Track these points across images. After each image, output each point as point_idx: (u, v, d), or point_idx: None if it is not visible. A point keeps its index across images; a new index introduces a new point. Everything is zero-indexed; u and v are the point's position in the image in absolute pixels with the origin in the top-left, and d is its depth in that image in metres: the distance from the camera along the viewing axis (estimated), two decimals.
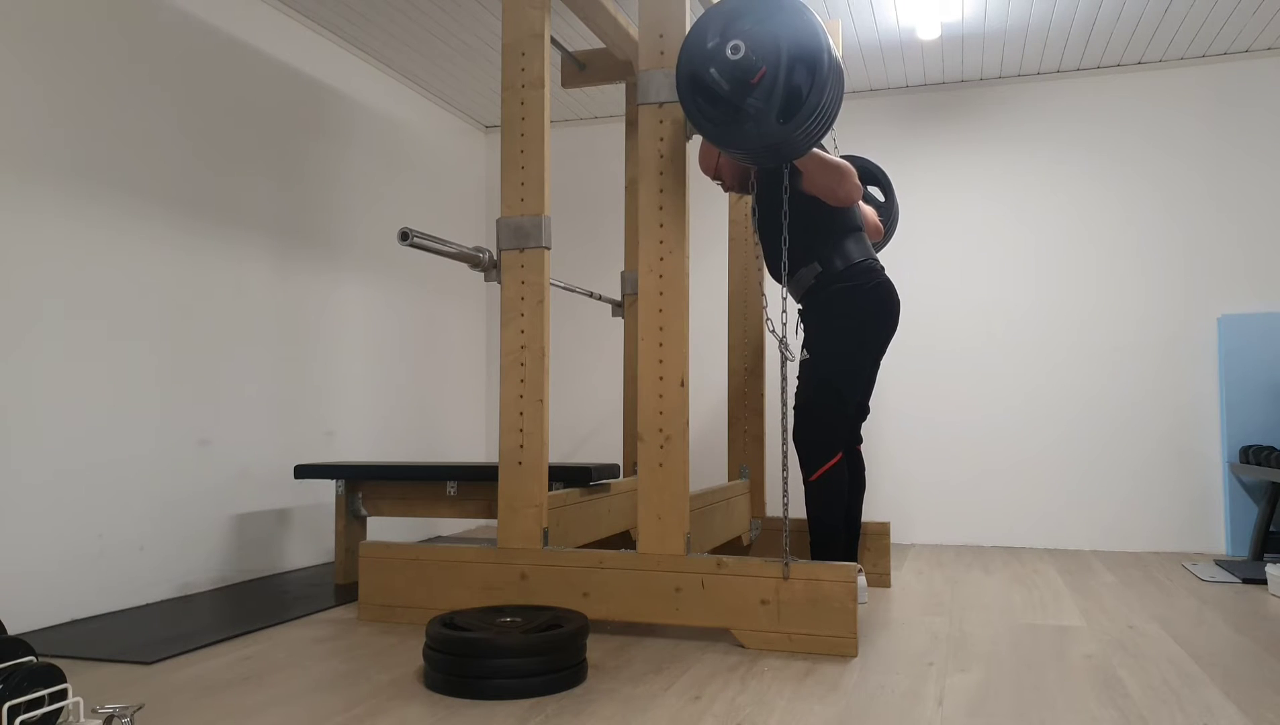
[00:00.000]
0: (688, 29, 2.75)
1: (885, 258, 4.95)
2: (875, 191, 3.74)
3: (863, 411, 3.26)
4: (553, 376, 5.48)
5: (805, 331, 3.12)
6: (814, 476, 3.02)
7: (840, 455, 3.03)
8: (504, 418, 2.87)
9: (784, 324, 2.76)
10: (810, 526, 3.04)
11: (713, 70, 2.48)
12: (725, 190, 3.33)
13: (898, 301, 3.12)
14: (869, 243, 3.18)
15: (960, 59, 4.58)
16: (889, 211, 3.67)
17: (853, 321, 3.06)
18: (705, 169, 3.26)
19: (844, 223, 3.10)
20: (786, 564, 2.56)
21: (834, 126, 4.89)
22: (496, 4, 4.01)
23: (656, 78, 2.76)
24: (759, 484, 3.85)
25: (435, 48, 4.46)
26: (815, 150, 2.93)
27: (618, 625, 2.89)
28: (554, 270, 5.52)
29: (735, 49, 2.43)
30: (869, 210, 3.52)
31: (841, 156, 3.64)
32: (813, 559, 3.02)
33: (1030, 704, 2.10)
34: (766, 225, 3.13)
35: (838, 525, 3.01)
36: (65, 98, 3.00)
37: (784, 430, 2.84)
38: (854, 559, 3.28)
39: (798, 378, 3.12)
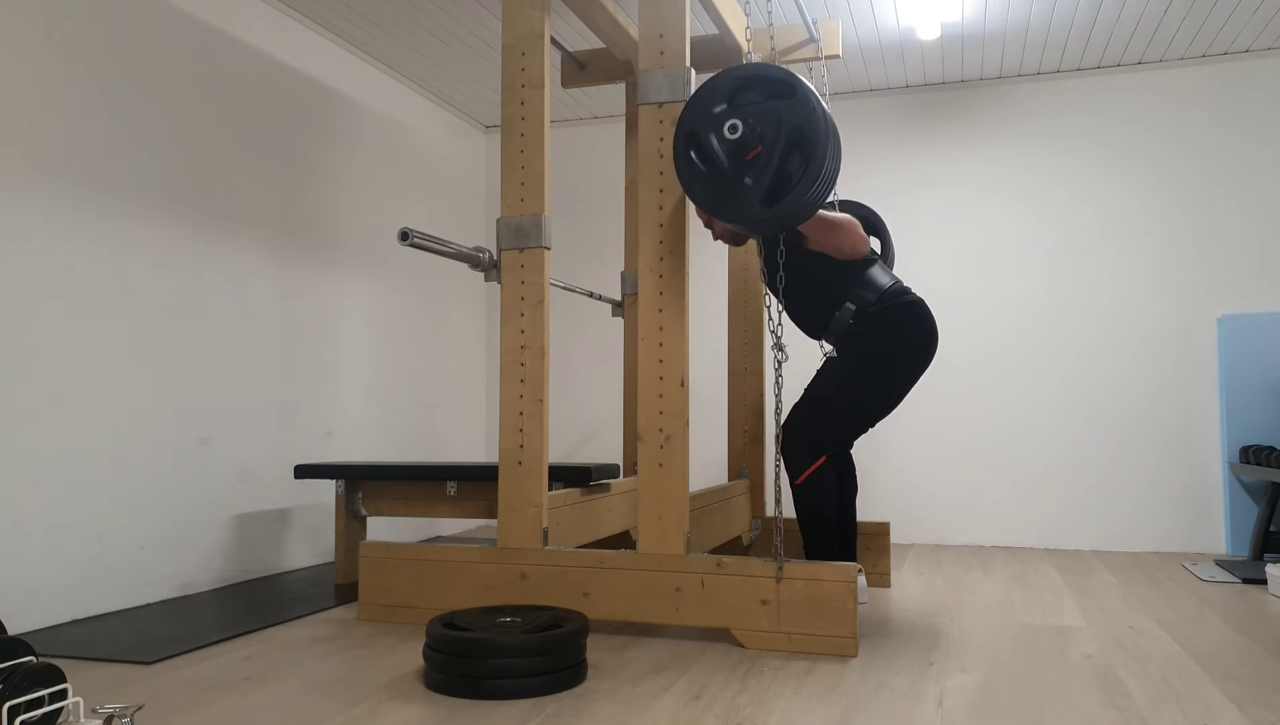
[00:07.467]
0: (687, 30, 2.75)
1: None
2: (873, 242, 3.71)
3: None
4: (553, 376, 5.48)
5: (839, 354, 3.02)
6: (799, 480, 2.96)
7: (825, 458, 2.94)
8: (504, 418, 2.87)
9: (780, 323, 2.75)
10: (801, 529, 2.99)
11: (712, 136, 2.49)
12: (715, 239, 3.17)
13: (934, 323, 2.99)
14: (891, 270, 3.12)
15: (960, 59, 4.58)
16: (887, 257, 3.64)
17: (891, 347, 2.95)
18: (700, 215, 3.17)
19: (862, 259, 3.05)
20: (780, 566, 2.56)
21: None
22: (496, 4, 4.01)
23: (656, 78, 2.76)
24: (759, 484, 3.85)
25: (435, 48, 4.46)
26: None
27: (618, 625, 2.89)
28: (554, 270, 5.52)
29: (733, 128, 2.44)
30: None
31: (840, 202, 3.61)
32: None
33: (1030, 704, 2.10)
34: (776, 288, 3.01)
35: (829, 527, 2.95)
36: (65, 97, 3.00)
37: (774, 428, 2.83)
38: (853, 559, 3.27)
39: (820, 371, 3.02)
